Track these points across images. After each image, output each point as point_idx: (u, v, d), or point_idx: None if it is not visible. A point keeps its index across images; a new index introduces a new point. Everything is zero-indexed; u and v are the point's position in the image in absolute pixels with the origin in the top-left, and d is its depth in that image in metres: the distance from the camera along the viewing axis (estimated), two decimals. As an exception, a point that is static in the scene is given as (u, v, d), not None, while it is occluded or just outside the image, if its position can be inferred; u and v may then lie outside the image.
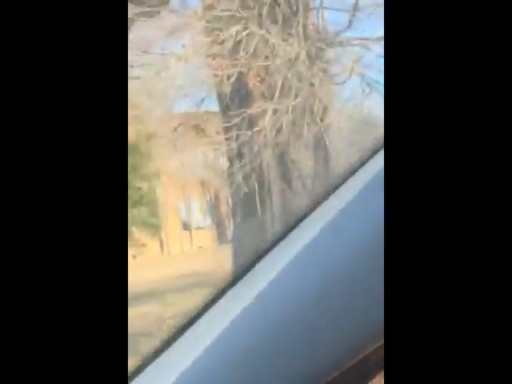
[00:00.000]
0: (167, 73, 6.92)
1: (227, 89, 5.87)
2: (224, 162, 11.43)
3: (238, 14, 5.97)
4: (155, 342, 2.08)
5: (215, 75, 5.89)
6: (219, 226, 17.61)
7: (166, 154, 13.91)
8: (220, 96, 6.29)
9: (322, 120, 5.95)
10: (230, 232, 15.97)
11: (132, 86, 12.63)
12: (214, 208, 18.01)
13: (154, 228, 14.99)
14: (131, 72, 11.87)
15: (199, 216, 18.83)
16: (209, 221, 18.30)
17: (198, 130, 8.05)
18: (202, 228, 18.55)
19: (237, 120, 5.65)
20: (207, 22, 6.37)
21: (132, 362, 1.51)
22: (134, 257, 14.98)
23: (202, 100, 7.23)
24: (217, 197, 17.29)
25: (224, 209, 17.08)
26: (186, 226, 18.80)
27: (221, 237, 16.98)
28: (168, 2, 7.02)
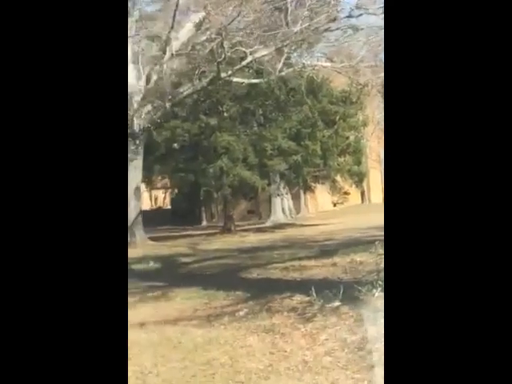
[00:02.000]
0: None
1: None
2: None
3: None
4: (374, 296, 5.11)
5: None
6: None
7: (375, 103, 14.36)
8: None
9: None
10: None
11: (354, 36, 13.06)
12: None
13: (358, 176, 15.07)
14: (351, 21, 12.03)
15: None
16: None
17: None
18: None
19: None
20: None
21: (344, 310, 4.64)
22: (336, 205, 15.91)
23: None
24: None
25: None
26: None
27: None
28: None
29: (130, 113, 13.52)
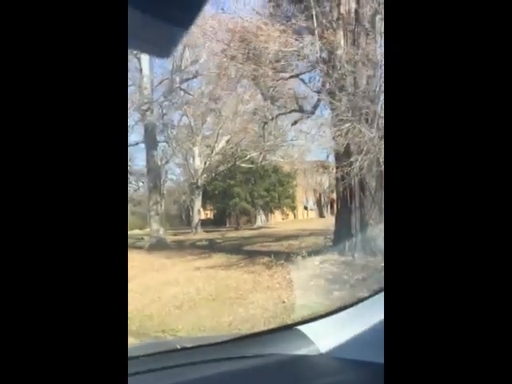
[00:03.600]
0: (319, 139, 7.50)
1: (341, 149, 6.38)
2: (329, 182, 13.83)
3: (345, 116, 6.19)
4: (298, 258, 6.20)
5: (337, 143, 6.26)
6: (320, 210, 22.59)
7: (300, 177, 19.24)
8: (337, 153, 6.74)
9: (378, 165, 6.30)
10: (325, 213, 20.53)
11: (294, 148, 14.52)
12: (317, 202, 22.83)
13: (292, 208, 20.15)
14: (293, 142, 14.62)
15: (311, 204, 22.91)
16: (315, 207, 22.90)
17: (324, 167, 9.84)
18: (311, 210, 22.74)
19: (344, 163, 6.09)
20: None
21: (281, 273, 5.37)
22: (283, 219, 20.47)
23: (328, 155, 8.95)
24: (320, 197, 22.30)
25: (323, 202, 21.95)
26: (305, 208, 22.72)
27: (320, 215, 22.00)
28: None
29: (195, 178, 15.91)
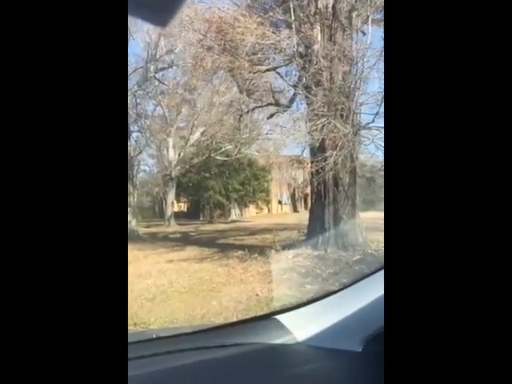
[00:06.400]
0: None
1: (316, 144, 6.40)
2: (304, 177, 12.49)
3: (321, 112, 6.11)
4: (272, 252, 6.59)
5: (312, 137, 6.30)
6: (294, 204, 22.90)
7: (275, 171, 19.43)
8: (312, 148, 6.78)
9: (352, 161, 6.47)
10: (299, 208, 20.65)
11: (270, 141, 13.68)
12: (292, 196, 23.10)
13: (267, 202, 20.58)
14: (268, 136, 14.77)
15: (286, 199, 23.10)
16: (289, 201, 23.16)
17: (299, 162, 9.21)
18: (286, 204, 22.98)
19: (319, 158, 6.14)
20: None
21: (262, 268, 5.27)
22: (257, 213, 20.73)
23: (303, 150, 8.20)
24: (294, 191, 22.55)
25: (297, 197, 22.22)
26: (279, 203, 22.85)
27: (294, 209, 22.29)
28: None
29: (169, 170, 15.64)
